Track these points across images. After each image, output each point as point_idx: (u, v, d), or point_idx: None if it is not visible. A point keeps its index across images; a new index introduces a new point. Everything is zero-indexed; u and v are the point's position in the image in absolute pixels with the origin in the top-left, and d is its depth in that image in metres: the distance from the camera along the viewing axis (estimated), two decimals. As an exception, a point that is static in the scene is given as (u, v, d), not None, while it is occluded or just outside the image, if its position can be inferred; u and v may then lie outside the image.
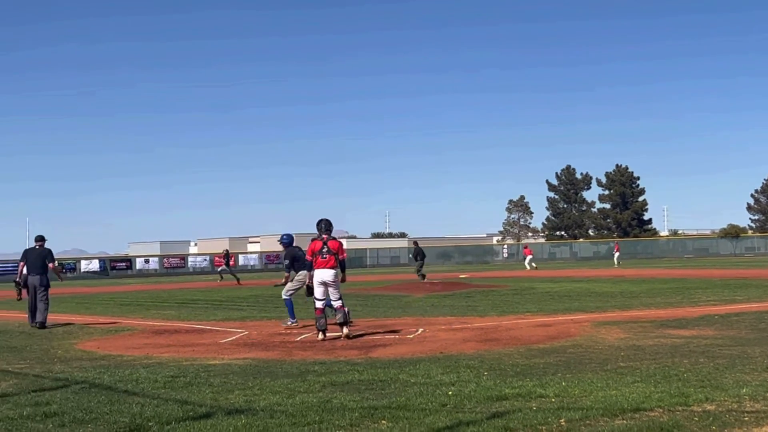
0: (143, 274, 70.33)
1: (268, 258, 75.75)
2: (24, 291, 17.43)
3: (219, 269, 42.04)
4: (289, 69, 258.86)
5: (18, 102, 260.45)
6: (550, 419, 6.43)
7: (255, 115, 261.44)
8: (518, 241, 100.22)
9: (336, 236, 13.87)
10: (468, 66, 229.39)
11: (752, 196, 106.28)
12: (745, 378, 8.21)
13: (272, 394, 7.94)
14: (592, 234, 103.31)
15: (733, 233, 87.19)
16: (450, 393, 7.71)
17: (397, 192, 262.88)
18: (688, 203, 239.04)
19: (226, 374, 9.48)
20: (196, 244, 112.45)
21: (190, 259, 77.79)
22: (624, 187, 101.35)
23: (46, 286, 17.03)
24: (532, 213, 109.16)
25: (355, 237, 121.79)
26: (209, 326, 16.22)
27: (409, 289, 27.58)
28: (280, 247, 16.33)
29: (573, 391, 7.62)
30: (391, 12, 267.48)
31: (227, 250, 45.67)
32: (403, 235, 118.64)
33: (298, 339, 13.40)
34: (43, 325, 16.39)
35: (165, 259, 74.97)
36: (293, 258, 15.59)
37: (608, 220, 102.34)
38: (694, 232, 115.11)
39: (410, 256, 40.12)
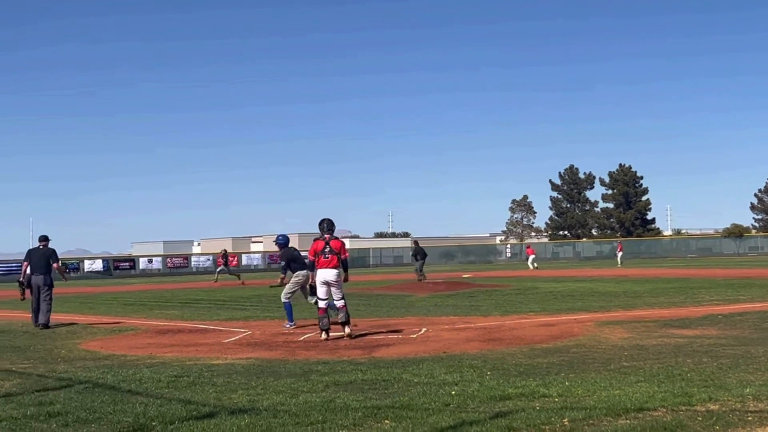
0: (146, 273, 70.41)
1: (271, 258, 75.65)
2: (28, 291, 17.44)
3: (218, 269, 42.02)
4: (291, 67, 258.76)
5: (18, 102, 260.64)
6: (553, 419, 6.42)
7: (255, 115, 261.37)
8: (521, 240, 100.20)
9: (338, 236, 13.87)
10: (469, 65, 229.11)
11: (756, 195, 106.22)
12: (749, 378, 8.20)
13: (275, 394, 7.94)
14: (595, 234, 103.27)
15: (736, 233, 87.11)
16: (453, 393, 7.71)
17: (400, 191, 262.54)
18: (691, 203, 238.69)
19: (229, 374, 9.49)
20: (199, 244, 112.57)
21: (193, 258, 77.87)
22: (627, 187, 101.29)
23: (50, 286, 17.03)
24: (535, 212, 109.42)
25: (358, 237, 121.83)
26: (212, 326, 16.24)
27: (412, 289, 27.58)
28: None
29: (576, 391, 7.62)
30: (392, 11, 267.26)
31: (225, 250, 45.80)
32: (406, 235, 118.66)
33: (302, 339, 13.41)
34: (46, 326, 16.41)
35: (168, 259, 75.04)
36: (290, 259, 15.58)
37: (611, 220, 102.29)
38: (698, 232, 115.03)
39: (411, 255, 39.94)
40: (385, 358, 10.61)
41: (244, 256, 78.28)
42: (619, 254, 58.76)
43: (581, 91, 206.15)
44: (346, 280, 13.54)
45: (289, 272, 15.56)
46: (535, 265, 53.91)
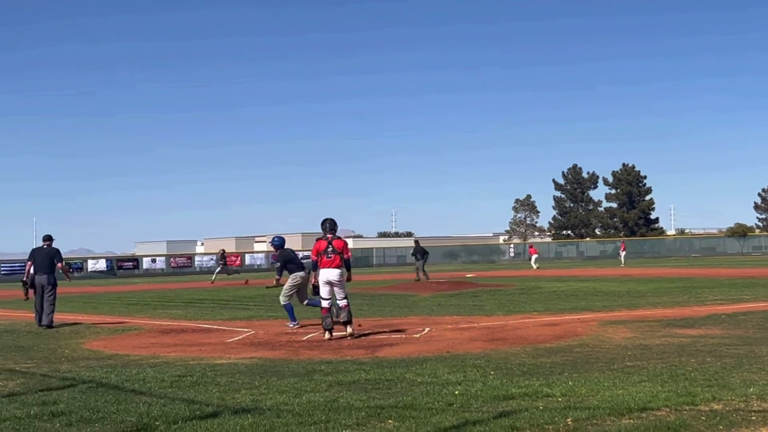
0: (150, 273, 70.44)
1: (274, 257, 75.35)
2: (31, 291, 17.42)
3: (216, 270, 41.94)
4: (292, 67, 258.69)
5: (18, 102, 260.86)
6: (556, 419, 6.42)
7: (256, 114, 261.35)
8: (525, 240, 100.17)
9: (341, 235, 13.86)
10: (469, 64, 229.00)
11: (759, 195, 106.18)
12: (753, 377, 8.19)
13: (279, 394, 7.94)
14: (598, 233, 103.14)
15: (740, 232, 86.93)
16: (456, 392, 7.71)
17: (403, 191, 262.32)
18: (694, 202, 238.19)
19: (232, 373, 9.49)
20: (202, 244, 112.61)
21: (196, 258, 77.85)
22: (631, 186, 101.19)
23: (54, 286, 16.99)
24: (539, 212, 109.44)
25: (361, 236, 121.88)
26: (216, 326, 16.24)
27: (415, 289, 27.58)
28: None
29: (580, 391, 7.61)
30: (392, 10, 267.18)
31: (223, 250, 45.87)
32: (409, 235, 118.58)
33: (305, 338, 13.41)
34: (50, 326, 16.40)
35: (172, 259, 75.03)
36: (286, 260, 15.59)
37: (615, 219, 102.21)
38: (701, 231, 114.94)
39: (411, 254, 39.76)
40: (389, 358, 10.61)
41: (247, 256, 78.25)
42: (623, 254, 58.73)
43: (583, 90, 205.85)
44: (348, 279, 13.53)
45: (286, 273, 15.56)
46: (537, 265, 53.92)
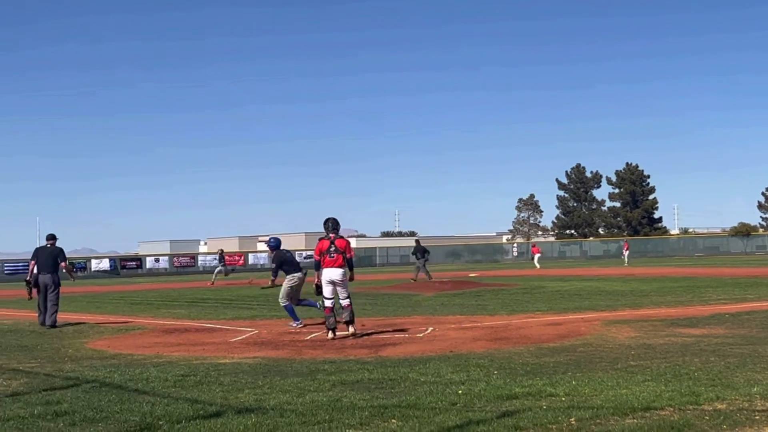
0: (153, 273, 70.54)
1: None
2: (35, 290, 17.39)
3: (217, 270, 41.90)
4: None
5: (18, 102, 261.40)
6: (560, 418, 6.41)
7: (257, 113, 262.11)
8: (528, 239, 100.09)
9: (344, 235, 13.86)
10: (470, 64, 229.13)
11: (763, 194, 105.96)
12: (756, 377, 8.18)
13: (282, 393, 7.94)
14: (602, 232, 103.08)
15: (743, 231, 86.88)
16: (460, 392, 7.71)
17: (406, 191, 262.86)
18: (698, 202, 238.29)
19: (236, 373, 9.50)
20: (206, 243, 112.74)
21: (200, 258, 77.89)
22: (634, 186, 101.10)
23: (57, 285, 16.96)
24: (542, 211, 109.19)
25: (364, 236, 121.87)
26: (219, 325, 16.25)
27: (418, 288, 27.56)
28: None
29: (583, 390, 7.61)
30: (392, 10, 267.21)
31: (221, 250, 45.91)
32: (412, 234, 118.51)
33: (308, 338, 13.41)
34: (53, 326, 16.39)
35: (175, 258, 75.14)
36: (281, 261, 15.60)
37: (618, 219, 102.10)
38: (705, 231, 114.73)
39: (411, 253, 39.58)
40: (392, 358, 10.60)
41: (250, 255, 78.29)
42: (626, 253, 58.64)
43: (586, 89, 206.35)
44: (351, 279, 13.52)
45: (282, 273, 15.57)
46: (539, 264, 53.93)
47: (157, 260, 74.55)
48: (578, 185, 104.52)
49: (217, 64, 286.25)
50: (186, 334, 14.60)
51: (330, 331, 13.11)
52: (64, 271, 17.48)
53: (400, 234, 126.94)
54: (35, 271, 17.18)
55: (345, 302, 13.23)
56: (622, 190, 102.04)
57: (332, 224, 13.43)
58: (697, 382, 7.88)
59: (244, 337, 13.86)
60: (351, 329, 13.22)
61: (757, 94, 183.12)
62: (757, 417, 6.37)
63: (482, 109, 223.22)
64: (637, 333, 12.52)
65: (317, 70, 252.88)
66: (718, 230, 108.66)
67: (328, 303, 13.20)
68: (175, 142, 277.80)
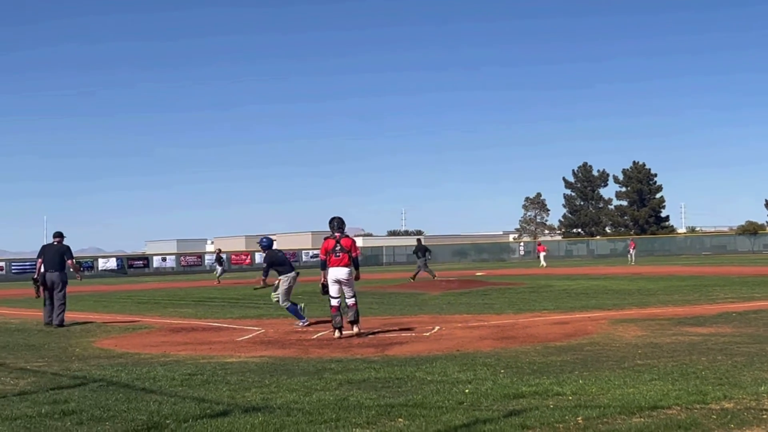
0: (160, 272, 70.61)
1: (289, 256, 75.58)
2: (42, 288, 17.35)
3: (217, 269, 41.85)
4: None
5: (18, 102, 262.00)
6: (567, 417, 6.41)
7: (257, 113, 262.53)
8: (535, 238, 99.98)
9: (349, 234, 13.85)
10: (471, 64, 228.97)
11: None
12: (764, 376, 8.16)
13: (289, 392, 7.95)
14: (609, 231, 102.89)
15: (751, 230, 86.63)
16: (467, 391, 7.70)
17: (410, 190, 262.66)
18: (705, 200, 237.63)
19: (242, 372, 9.51)
20: (212, 242, 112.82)
21: (206, 257, 77.94)
22: (641, 184, 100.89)
23: (65, 283, 16.94)
24: (549, 210, 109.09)
25: (371, 235, 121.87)
26: (226, 324, 16.27)
27: (425, 287, 27.56)
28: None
29: (590, 389, 7.60)
30: (393, 9, 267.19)
31: (219, 250, 45.97)
32: (419, 233, 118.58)
33: (315, 337, 13.42)
34: (60, 325, 16.41)
35: (182, 258, 75.21)
36: (272, 262, 15.61)
37: (625, 218, 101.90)
38: (712, 229, 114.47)
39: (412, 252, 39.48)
40: (399, 357, 10.60)
41: (257, 255, 78.26)
42: (632, 252, 58.46)
43: (592, 88, 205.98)
44: (357, 278, 13.51)
45: (275, 273, 15.58)
46: (545, 263, 53.88)
47: (164, 259, 74.60)
48: (585, 184, 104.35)
49: (217, 64, 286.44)
50: (193, 333, 14.61)
51: (336, 330, 13.11)
52: (71, 269, 17.47)
53: (406, 233, 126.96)
54: (42, 269, 17.13)
55: (350, 301, 13.22)
56: (629, 188, 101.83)
57: (338, 223, 13.43)
58: (705, 381, 7.87)
59: (250, 336, 13.87)
60: (355, 329, 13.22)
61: (765, 92, 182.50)
62: (765, 416, 6.35)
63: (486, 108, 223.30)
64: (644, 332, 12.50)
65: (317, 70, 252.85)
66: (726, 229, 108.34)
67: (334, 302, 13.20)
68: (179, 142, 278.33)
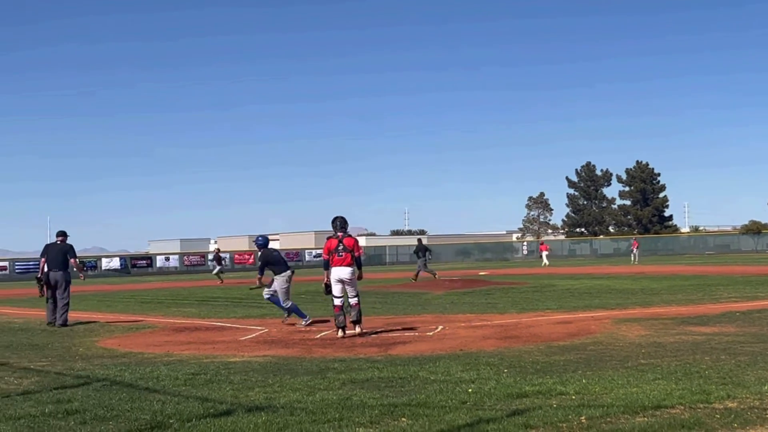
0: (164, 271, 70.62)
1: (287, 255, 75.79)
2: (46, 287, 17.33)
3: (218, 269, 41.82)
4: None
5: (18, 102, 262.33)
6: (570, 416, 6.40)
7: (257, 113, 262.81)
8: (538, 238, 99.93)
9: (352, 233, 13.84)
10: (471, 63, 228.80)
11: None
12: (767, 375, 8.15)
13: (292, 392, 7.95)
14: (612, 231, 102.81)
15: (754, 229, 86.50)
16: (470, 390, 7.70)
17: (414, 189, 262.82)
18: (709, 199, 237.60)
19: (246, 371, 9.51)
20: (215, 242, 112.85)
21: (210, 256, 77.95)
22: (644, 184, 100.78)
23: (68, 283, 16.93)
24: (552, 210, 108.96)
25: (374, 234, 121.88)
26: (229, 324, 16.28)
27: (428, 287, 27.56)
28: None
29: (594, 389, 7.59)
30: (393, 9, 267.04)
31: (218, 249, 46.00)
32: (422, 233, 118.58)
33: (318, 336, 13.42)
34: (64, 325, 16.41)
35: (185, 257, 75.23)
36: (267, 260, 15.61)
37: (629, 217, 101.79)
38: (715, 229, 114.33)
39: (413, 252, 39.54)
40: (402, 356, 10.60)
41: (259, 254, 78.28)
42: (635, 251, 58.37)
43: (596, 88, 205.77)
44: (360, 277, 13.51)
45: (270, 273, 15.59)
46: (547, 261, 53.90)
47: (167, 259, 74.60)
48: (588, 183, 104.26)
49: (217, 64, 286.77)
50: (196, 333, 14.62)
51: (339, 330, 13.11)
52: (74, 269, 17.47)
53: (409, 233, 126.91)
54: (46, 268, 17.13)
55: (353, 301, 13.22)
56: (632, 188, 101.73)
57: (340, 223, 13.42)
58: (708, 381, 7.86)
59: (254, 335, 13.88)
60: (358, 329, 13.21)
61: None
62: (769, 415, 6.35)
63: (486, 108, 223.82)
64: (647, 331, 12.49)
65: (317, 70, 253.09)
66: (729, 228, 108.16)
67: (337, 302, 13.19)
68: (177, 142, 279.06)
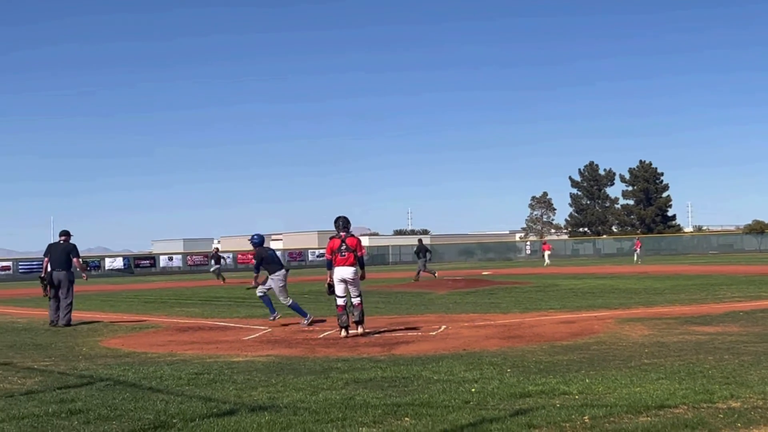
0: (167, 271, 70.66)
1: (290, 255, 75.85)
2: (49, 287, 17.32)
3: (218, 268, 41.80)
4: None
5: (18, 102, 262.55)
6: (573, 416, 6.40)
7: (258, 113, 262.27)
8: (541, 237, 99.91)
9: (355, 233, 13.85)
10: (471, 63, 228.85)
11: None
12: (771, 375, 8.14)
13: (295, 391, 7.95)
14: (615, 230, 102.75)
15: (758, 229, 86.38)
16: (473, 390, 7.70)
17: (415, 189, 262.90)
18: (712, 199, 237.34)
19: (249, 371, 9.51)
20: (219, 242, 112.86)
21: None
22: (647, 183, 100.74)
23: (71, 282, 16.94)
24: (555, 209, 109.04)
25: (377, 234, 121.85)
26: (232, 323, 16.29)
27: (431, 286, 27.57)
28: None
29: (597, 388, 7.59)
30: (393, 8, 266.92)
31: (217, 249, 46.05)
32: (425, 232, 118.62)
33: (321, 336, 13.42)
34: (68, 325, 16.42)
35: (188, 257, 75.24)
36: (261, 259, 15.61)
37: (632, 217, 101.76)
38: (719, 228, 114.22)
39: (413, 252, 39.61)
40: (405, 356, 10.60)
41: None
42: (637, 251, 58.30)
43: (598, 87, 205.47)
44: (363, 277, 13.51)
45: (266, 272, 15.58)
46: (549, 261, 53.87)
47: (170, 259, 74.64)
48: (591, 183, 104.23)
49: (217, 64, 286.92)
50: (199, 333, 14.63)
51: (342, 330, 13.11)
52: (77, 268, 17.47)
53: (412, 232, 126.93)
54: (49, 268, 17.12)
55: (356, 301, 13.22)
56: (635, 187, 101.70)
57: (343, 223, 13.42)
58: (711, 380, 7.85)
59: (257, 335, 13.88)
60: (360, 329, 13.21)
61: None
62: (772, 415, 6.34)
63: (487, 108, 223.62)
64: (650, 331, 12.48)
65: (317, 70, 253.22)
66: (732, 228, 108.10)
67: (340, 301, 13.19)
68: (177, 142, 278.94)
